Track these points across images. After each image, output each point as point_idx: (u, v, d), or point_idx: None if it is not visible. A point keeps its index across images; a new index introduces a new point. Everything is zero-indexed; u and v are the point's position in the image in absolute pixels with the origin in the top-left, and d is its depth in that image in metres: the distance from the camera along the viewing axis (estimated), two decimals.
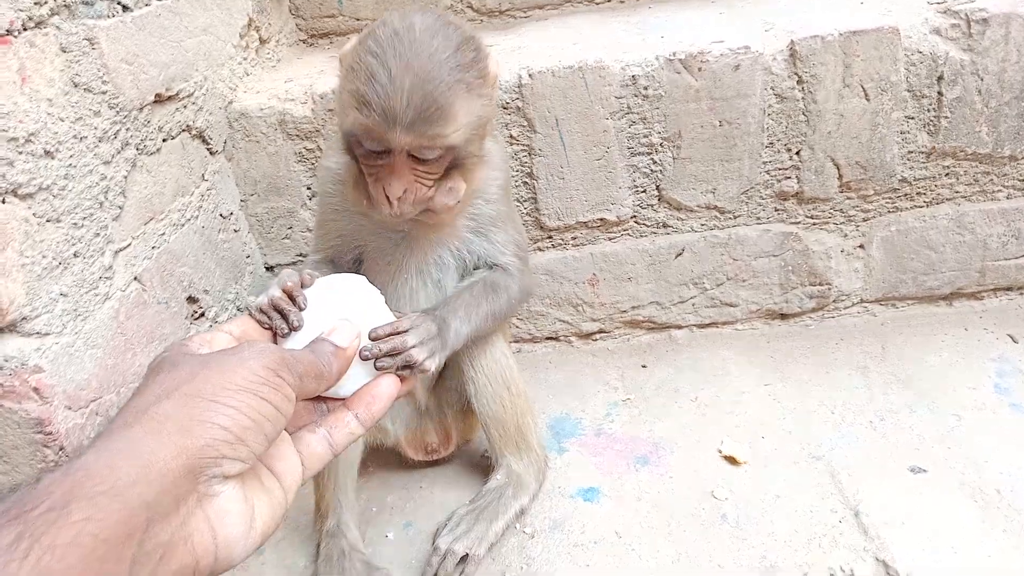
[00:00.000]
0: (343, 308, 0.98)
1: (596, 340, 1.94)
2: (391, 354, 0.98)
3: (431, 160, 1.12)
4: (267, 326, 0.95)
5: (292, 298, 0.97)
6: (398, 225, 1.25)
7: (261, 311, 0.96)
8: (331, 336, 0.89)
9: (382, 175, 1.12)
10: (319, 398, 0.91)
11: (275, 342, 0.96)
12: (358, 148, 1.13)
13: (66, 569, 0.56)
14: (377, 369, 0.95)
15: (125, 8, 1.36)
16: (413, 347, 1.02)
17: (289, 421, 0.78)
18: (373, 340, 0.97)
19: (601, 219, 1.78)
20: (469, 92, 1.11)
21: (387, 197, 1.12)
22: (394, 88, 1.05)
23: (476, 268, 1.33)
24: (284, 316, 0.95)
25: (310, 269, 1.07)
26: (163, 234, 1.42)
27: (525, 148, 1.71)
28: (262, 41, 2.01)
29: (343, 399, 0.93)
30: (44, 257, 1.09)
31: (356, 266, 1.34)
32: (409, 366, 1.00)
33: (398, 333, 1.01)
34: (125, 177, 1.31)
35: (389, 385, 0.94)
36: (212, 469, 0.68)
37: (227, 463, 0.70)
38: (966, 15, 1.58)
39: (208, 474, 0.68)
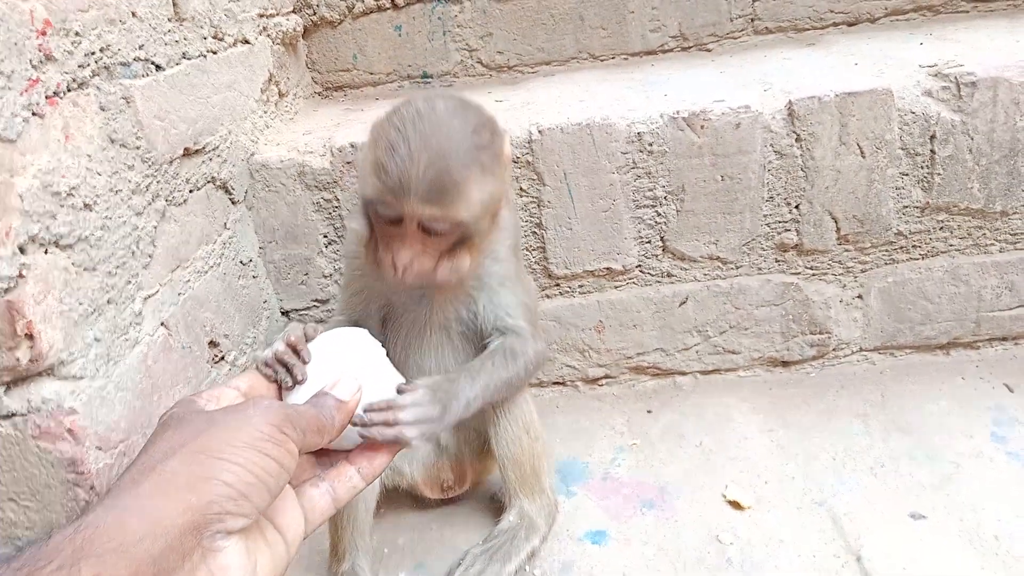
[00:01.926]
0: (345, 362, 1.02)
1: (602, 385, 1.98)
2: (382, 425, 0.99)
3: (440, 233, 1.16)
4: (273, 380, 0.99)
5: (297, 351, 1.01)
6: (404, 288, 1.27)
7: (266, 365, 1.00)
8: (334, 390, 0.92)
9: (393, 242, 1.17)
10: (322, 451, 0.93)
11: (280, 395, 1.00)
12: (374, 215, 1.19)
13: None
14: (362, 438, 0.97)
15: (158, 67, 1.44)
16: (405, 425, 1.03)
17: (292, 475, 0.81)
18: (367, 412, 0.99)
19: (607, 268, 1.84)
20: (483, 172, 1.16)
21: (394, 264, 1.17)
22: (412, 161, 1.10)
23: (490, 330, 1.37)
24: (289, 370, 0.99)
25: (314, 324, 1.12)
26: (188, 281, 1.48)
27: (534, 200, 1.78)
28: (281, 95, 2.09)
29: (346, 451, 0.95)
30: (80, 304, 1.14)
31: (381, 324, 1.40)
32: (396, 441, 1.01)
33: (393, 408, 1.03)
34: (155, 227, 1.37)
35: None
36: (216, 525, 0.70)
37: (231, 519, 0.71)
38: (955, 78, 1.66)
39: (212, 529, 0.70)
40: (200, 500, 0.70)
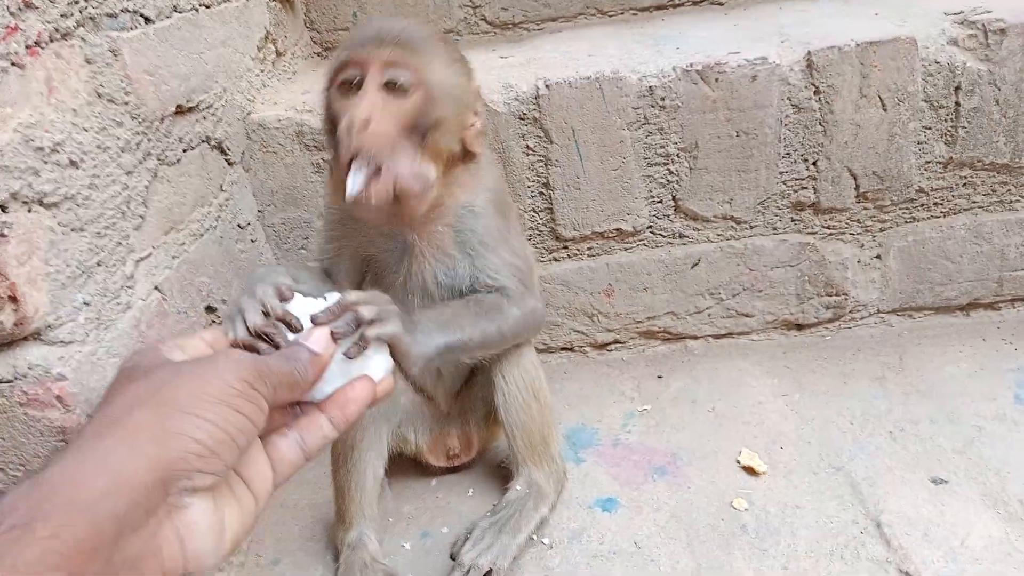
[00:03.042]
0: (316, 311, 0.96)
1: (611, 350, 1.93)
2: (340, 315, 0.92)
3: (404, 88, 1.11)
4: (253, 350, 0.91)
5: (286, 322, 0.94)
6: (367, 212, 1.16)
7: (244, 346, 0.92)
8: (308, 341, 0.87)
9: (353, 104, 1.10)
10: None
11: None
12: (336, 94, 1.15)
13: None
14: (334, 336, 0.90)
15: (147, 20, 1.37)
16: (366, 310, 0.95)
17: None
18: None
19: (617, 229, 1.78)
20: (450, 56, 1.19)
21: (350, 122, 1.06)
22: (378, 23, 1.16)
23: (472, 291, 1.29)
24: (271, 340, 0.92)
25: (293, 272, 1.10)
26: (183, 244, 1.43)
27: (541, 159, 1.72)
28: (278, 54, 2.02)
29: (316, 403, 0.90)
30: (68, 266, 1.09)
31: (358, 285, 1.34)
32: (359, 324, 0.93)
33: (351, 306, 0.95)
34: (146, 187, 1.32)
35: (364, 388, 0.91)
36: (184, 482, 0.67)
37: (199, 476, 0.68)
38: (983, 25, 1.58)
39: (179, 487, 0.67)
40: (168, 456, 0.66)
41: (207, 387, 0.71)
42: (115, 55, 1.25)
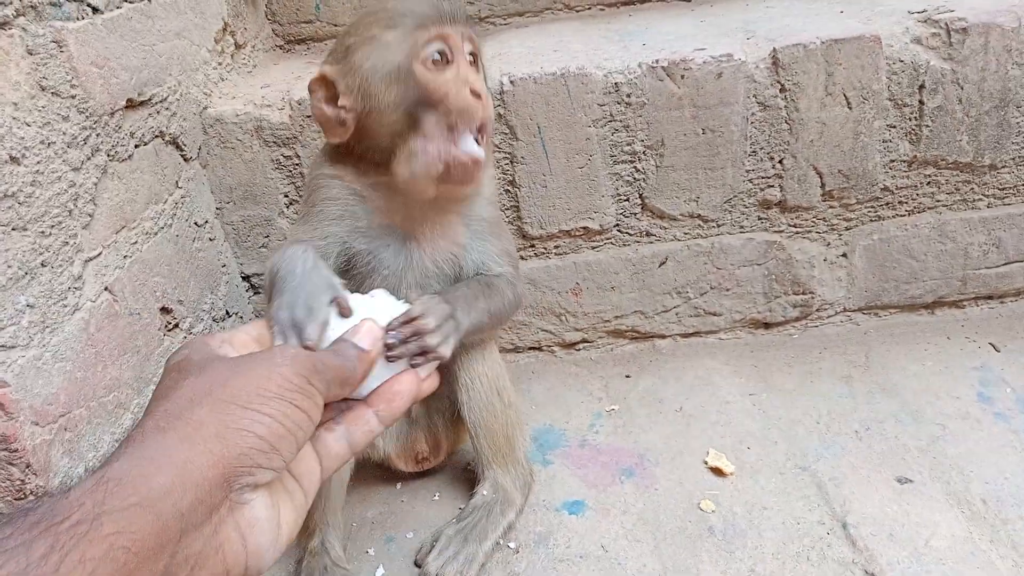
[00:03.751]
0: (367, 309, 0.97)
1: (579, 350, 1.92)
2: (408, 340, 0.96)
3: (477, 59, 1.19)
4: None
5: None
6: (425, 192, 1.17)
7: None
8: (355, 338, 0.87)
9: (460, 76, 1.13)
10: None
11: None
12: (422, 67, 1.12)
13: None
14: (389, 360, 0.93)
15: (95, 10, 1.32)
16: (430, 333, 1.00)
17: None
18: (389, 331, 0.94)
19: (584, 228, 1.76)
20: None
21: (475, 91, 1.12)
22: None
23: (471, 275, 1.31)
24: None
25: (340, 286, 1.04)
26: (135, 243, 1.38)
27: (507, 156, 1.69)
28: (238, 46, 1.97)
29: (360, 398, 0.91)
30: (9, 267, 1.04)
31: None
32: (424, 352, 0.97)
33: (414, 319, 1.00)
34: (95, 184, 1.27)
35: (409, 382, 0.93)
36: (246, 478, 0.67)
37: (260, 472, 0.69)
38: (946, 24, 1.58)
39: (241, 483, 0.67)
40: (231, 452, 0.66)
41: (266, 383, 0.71)
42: (60, 46, 1.20)
